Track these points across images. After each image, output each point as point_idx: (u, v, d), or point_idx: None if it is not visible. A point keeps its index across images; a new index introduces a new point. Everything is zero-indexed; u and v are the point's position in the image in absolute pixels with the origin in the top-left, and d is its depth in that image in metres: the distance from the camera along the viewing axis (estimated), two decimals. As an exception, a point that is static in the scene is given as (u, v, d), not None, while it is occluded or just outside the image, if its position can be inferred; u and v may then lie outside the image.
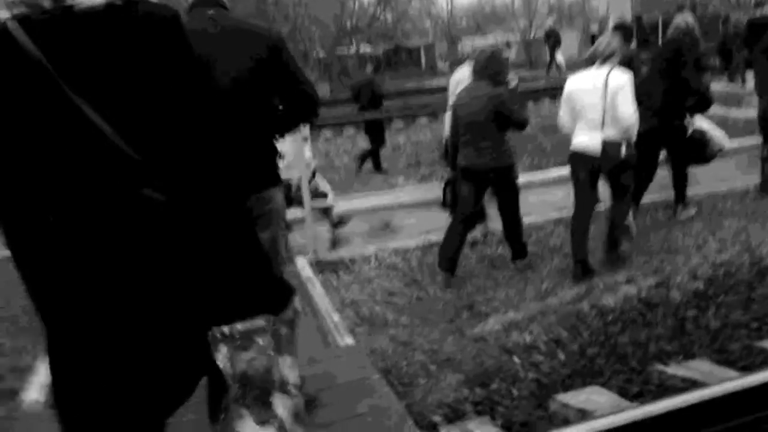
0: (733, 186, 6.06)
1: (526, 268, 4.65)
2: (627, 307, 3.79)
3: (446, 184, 4.98)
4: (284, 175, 5.57)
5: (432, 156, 9.10)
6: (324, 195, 5.81)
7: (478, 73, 4.51)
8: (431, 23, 31.44)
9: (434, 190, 5.99)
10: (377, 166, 8.77)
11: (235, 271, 1.29)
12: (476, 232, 5.28)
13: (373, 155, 8.85)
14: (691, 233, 5.01)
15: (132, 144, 1.12)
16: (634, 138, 4.19)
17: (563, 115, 4.51)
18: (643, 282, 4.15)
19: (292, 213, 5.94)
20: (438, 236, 5.19)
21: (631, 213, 4.80)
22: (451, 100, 4.95)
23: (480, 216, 4.95)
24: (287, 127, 2.57)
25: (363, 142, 11.06)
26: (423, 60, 27.65)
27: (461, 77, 5.26)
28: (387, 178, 8.13)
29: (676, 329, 3.42)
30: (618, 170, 4.27)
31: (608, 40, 4.33)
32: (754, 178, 6.05)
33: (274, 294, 1.39)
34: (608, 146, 4.14)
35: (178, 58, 1.17)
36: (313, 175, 5.72)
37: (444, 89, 19.47)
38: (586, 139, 4.26)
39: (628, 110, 4.07)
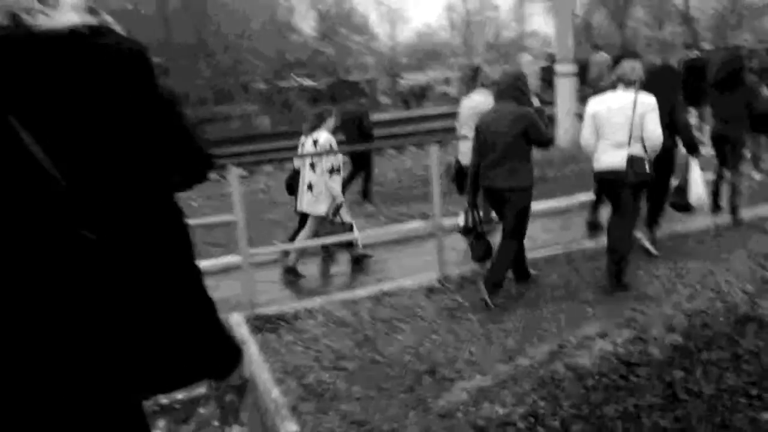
0: (690, 225, 5.81)
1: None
2: (606, 368, 3.33)
3: (468, 209, 4.71)
4: (311, 209, 5.43)
5: (408, 192, 8.79)
6: (349, 227, 5.54)
7: (504, 93, 4.53)
8: (373, 59, 31.44)
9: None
10: (366, 195, 8.58)
11: (175, 328, 1.10)
12: (432, 280, 4.79)
13: (365, 185, 8.68)
14: (658, 275, 4.67)
15: (70, 179, 0.99)
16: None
17: (587, 135, 4.62)
18: (617, 336, 3.73)
19: (228, 261, 5.38)
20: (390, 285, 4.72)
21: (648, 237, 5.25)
22: (463, 127, 5.19)
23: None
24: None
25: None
26: (366, 94, 27.41)
27: (474, 104, 5.57)
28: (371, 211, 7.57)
29: (666, 396, 2.98)
30: (640, 186, 4.50)
31: (632, 65, 4.46)
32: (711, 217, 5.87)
33: (219, 354, 1.20)
34: (635, 162, 4.33)
35: (139, 96, 1.07)
36: (338, 209, 5.41)
37: (388, 123, 19.31)
38: (612, 157, 4.40)
39: (656, 129, 4.32)
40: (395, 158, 12.22)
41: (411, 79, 28.68)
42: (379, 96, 28.13)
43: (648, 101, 4.34)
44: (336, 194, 5.32)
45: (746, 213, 5.98)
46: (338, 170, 5.39)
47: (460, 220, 4.72)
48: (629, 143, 4.32)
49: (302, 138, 5.60)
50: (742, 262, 4.79)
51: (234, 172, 4.19)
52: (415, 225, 6.61)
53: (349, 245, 5.65)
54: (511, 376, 3.36)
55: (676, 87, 5.16)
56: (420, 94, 26.53)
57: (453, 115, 19.34)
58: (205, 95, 21.44)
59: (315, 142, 5.34)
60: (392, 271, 5.44)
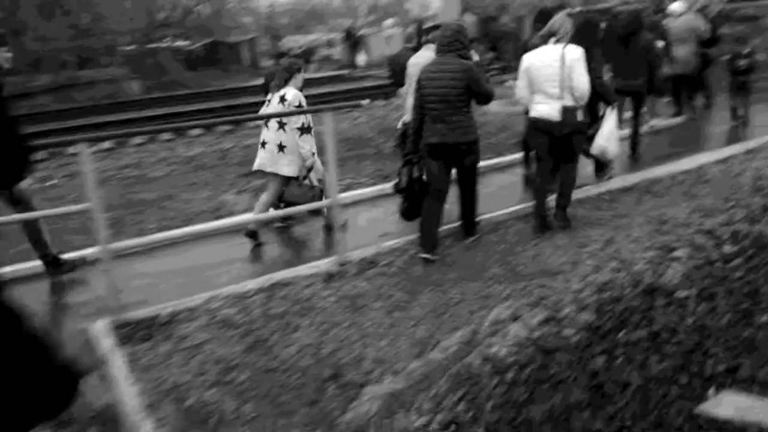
0: (589, 191, 5.73)
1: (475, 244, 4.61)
2: (523, 358, 3.05)
3: (403, 166, 4.74)
4: (279, 170, 5.02)
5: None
6: (319, 192, 5.16)
7: (445, 47, 4.45)
8: (251, 19, 29.81)
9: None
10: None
11: None
12: (331, 266, 4.32)
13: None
14: (560, 246, 4.50)
15: None
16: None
17: (521, 88, 4.82)
18: (529, 318, 3.48)
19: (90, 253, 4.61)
20: (283, 275, 4.20)
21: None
22: (412, 84, 4.89)
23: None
24: None
25: (182, 148, 9.57)
26: (245, 57, 25.93)
27: (419, 61, 5.15)
28: (212, 195, 6.80)
29: (592, 389, 2.74)
30: (574, 134, 4.70)
31: (562, 20, 4.67)
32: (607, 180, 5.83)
33: (53, 391, 1.02)
34: (567, 112, 4.55)
35: None
36: (308, 171, 5.06)
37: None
38: (546, 108, 4.64)
39: (583, 80, 4.53)
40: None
41: (292, 41, 27.53)
42: (260, 58, 26.75)
43: (575, 54, 4.55)
44: (306, 155, 4.98)
45: (636, 177, 6.01)
46: (308, 129, 4.99)
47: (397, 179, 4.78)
48: (561, 95, 4.55)
49: (269, 95, 5.20)
50: (641, 227, 4.73)
51: (85, 151, 3.43)
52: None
53: (318, 211, 5.26)
54: (425, 375, 2.99)
55: (595, 42, 5.38)
56: (303, 57, 25.51)
57: (340, 79, 18.66)
58: (66, 58, 19.22)
59: (282, 99, 4.96)
60: (286, 256, 4.90)
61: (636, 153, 6.88)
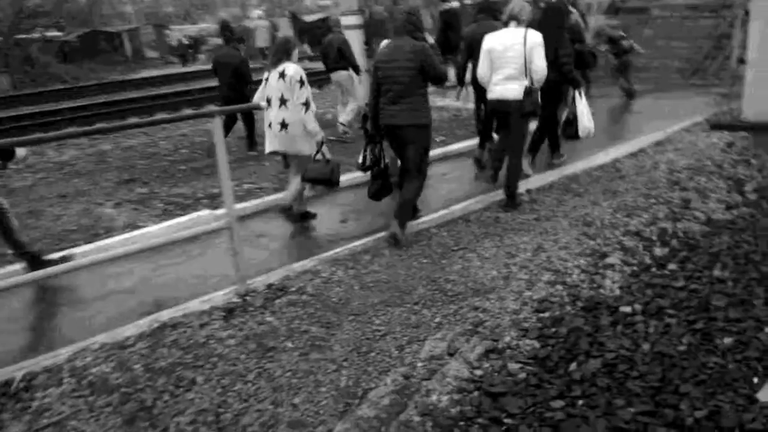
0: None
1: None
2: (469, 406, 2.56)
3: (366, 145, 4.75)
4: (292, 149, 4.92)
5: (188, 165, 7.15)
6: (336, 165, 4.91)
7: (399, 29, 4.49)
8: (132, 8, 27.68)
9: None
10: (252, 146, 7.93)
11: None
12: (230, 297, 3.62)
13: (249, 136, 7.96)
14: (488, 258, 4.07)
15: None
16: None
17: (484, 68, 4.96)
18: (468, 351, 2.99)
19: None
20: (173, 313, 3.47)
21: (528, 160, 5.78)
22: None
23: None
24: None
25: (52, 152, 8.34)
26: (128, 48, 23.94)
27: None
28: (87, 209, 5.81)
29: (557, 448, 2.28)
30: (531, 115, 4.88)
31: (521, 4, 4.85)
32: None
33: None
34: (526, 93, 4.73)
35: None
36: (320, 147, 4.83)
37: (155, 80, 16.82)
38: (507, 88, 4.82)
39: (542, 63, 4.74)
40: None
41: (179, 31, 25.83)
42: (144, 49, 24.85)
43: (535, 37, 4.74)
44: (315, 130, 4.81)
45: (554, 174, 5.74)
46: (309, 104, 4.80)
47: (360, 158, 4.78)
48: (522, 76, 4.75)
49: (265, 74, 4.98)
50: (566, 231, 4.40)
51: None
52: (200, 215, 5.28)
53: (335, 182, 4.91)
54: (355, 443, 2.42)
55: (561, 26, 5.47)
56: (192, 48, 23.95)
57: None
58: None
59: (282, 75, 4.77)
60: (175, 287, 4.14)
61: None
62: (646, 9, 11.22)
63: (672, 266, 3.74)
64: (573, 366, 2.76)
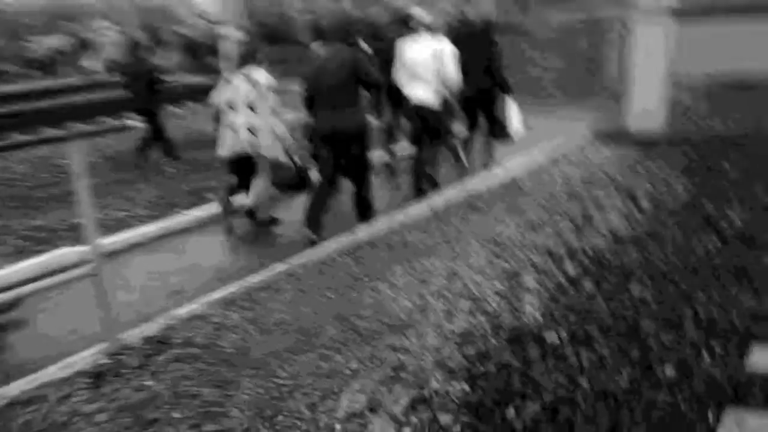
0: (410, 213, 5.05)
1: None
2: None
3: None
4: (261, 152, 4.85)
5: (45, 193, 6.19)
6: (304, 169, 5.13)
7: (332, 36, 4.58)
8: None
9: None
10: (170, 152, 7.79)
11: None
12: (98, 358, 2.96)
13: (165, 143, 7.82)
14: (401, 287, 3.70)
15: None
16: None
17: (401, 75, 5.23)
18: (393, 404, 2.58)
19: None
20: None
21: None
22: None
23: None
24: None
25: None
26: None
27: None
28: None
29: None
30: (447, 117, 5.32)
31: (421, 13, 5.15)
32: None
33: None
34: (443, 103, 5.12)
35: None
36: (289, 153, 5.00)
37: (15, 96, 14.98)
38: (422, 93, 5.11)
39: (453, 72, 5.06)
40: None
41: (41, 43, 23.52)
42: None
43: (447, 48, 5.03)
44: (284, 135, 4.95)
45: (455, 191, 5.52)
46: (278, 110, 4.94)
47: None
48: (435, 84, 5.03)
49: (226, 75, 5.14)
50: (478, 253, 4.14)
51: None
52: (61, 253, 4.47)
53: (305, 186, 5.11)
54: None
55: (492, 40, 5.94)
56: (54, 61, 21.84)
57: (107, 85, 15.77)
58: None
59: (251, 81, 4.77)
60: (28, 349, 3.38)
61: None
62: (521, 27, 11.57)
63: (588, 286, 3.57)
64: (510, 412, 2.44)
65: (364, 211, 4.90)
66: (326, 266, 4.05)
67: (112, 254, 4.60)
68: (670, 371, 2.45)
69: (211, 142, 8.83)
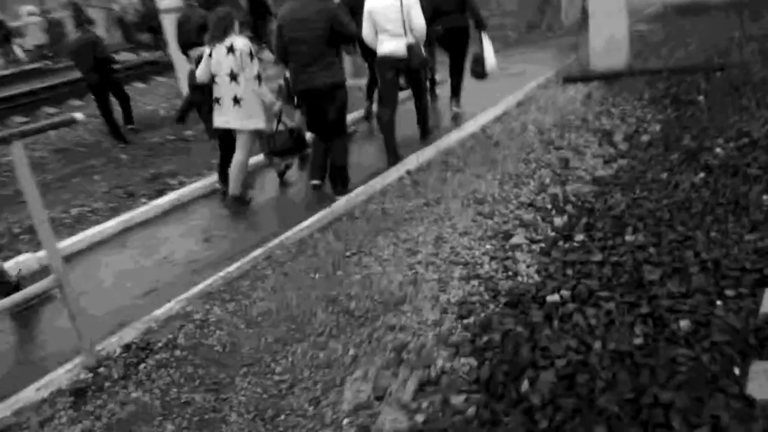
0: (388, 176, 4.84)
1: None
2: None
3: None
4: (244, 125, 4.74)
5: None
6: (298, 131, 5.10)
7: None
8: None
9: None
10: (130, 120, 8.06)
11: None
12: (77, 374, 2.72)
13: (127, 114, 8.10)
14: (387, 260, 3.52)
15: None
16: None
17: (367, 30, 5.10)
18: (400, 390, 2.43)
19: None
20: None
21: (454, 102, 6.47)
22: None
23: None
24: None
25: None
26: None
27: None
28: None
29: None
30: (421, 66, 5.18)
31: None
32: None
33: None
34: (413, 49, 4.95)
35: None
36: (279, 116, 4.91)
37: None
38: (392, 45, 4.99)
39: (420, 22, 4.93)
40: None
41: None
42: None
43: None
44: (271, 101, 4.79)
45: (430, 151, 5.31)
46: (261, 77, 4.71)
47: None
48: (405, 34, 4.91)
49: (204, 49, 4.76)
50: (461, 214, 3.98)
51: None
52: (20, 261, 4.14)
53: (302, 147, 5.21)
54: None
55: None
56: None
57: (34, 74, 14.80)
58: None
59: (231, 50, 4.57)
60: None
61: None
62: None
63: (579, 236, 3.45)
64: (524, 385, 2.31)
65: (343, 180, 4.76)
66: (306, 245, 3.84)
67: (75, 255, 4.29)
68: (684, 323, 2.34)
69: (162, 122, 8.44)
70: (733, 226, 2.94)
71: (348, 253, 3.66)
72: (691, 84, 5.56)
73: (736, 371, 2.03)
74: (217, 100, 4.72)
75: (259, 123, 4.75)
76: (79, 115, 3.78)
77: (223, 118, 4.73)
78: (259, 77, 4.63)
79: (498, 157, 4.92)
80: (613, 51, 6.44)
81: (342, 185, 4.71)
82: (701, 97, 5.11)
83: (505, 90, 6.90)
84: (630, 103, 5.65)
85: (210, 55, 4.67)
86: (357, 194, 4.55)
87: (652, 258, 2.94)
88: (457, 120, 6.41)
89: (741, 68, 5.53)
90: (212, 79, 4.70)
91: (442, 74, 7.17)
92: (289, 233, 4.05)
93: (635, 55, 6.92)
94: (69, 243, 4.34)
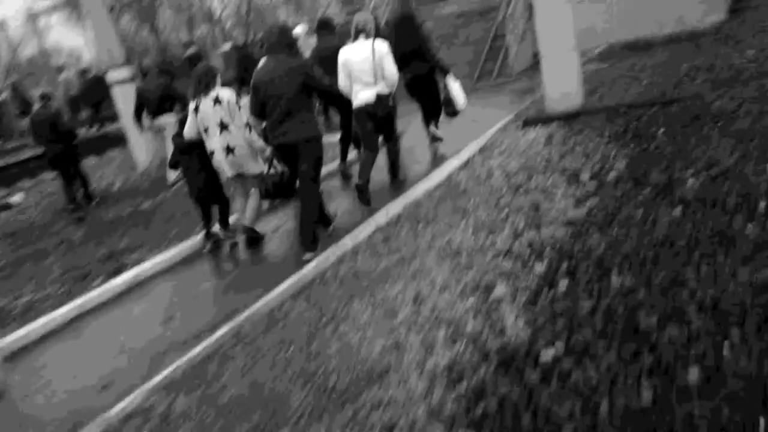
0: (358, 235, 4.64)
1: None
2: None
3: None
4: (245, 170, 5.02)
5: None
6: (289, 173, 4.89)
7: (274, 47, 4.49)
8: None
9: None
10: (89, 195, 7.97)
11: None
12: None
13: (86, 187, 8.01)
14: (366, 325, 3.27)
15: None
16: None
17: (343, 80, 5.21)
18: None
19: None
20: None
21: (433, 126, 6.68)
22: None
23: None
24: None
25: None
26: None
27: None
28: None
29: None
30: (390, 115, 5.32)
31: (365, 18, 5.24)
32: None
33: None
34: (381, 98, 5.12)
35: None
36: (272, 160, 4.74)
37: None
38: (367, 95, 5.14)
39: (392, 70, 5.10)
40: None
41: None
42: None
43: (383, 48, 5.08)
44: (262, 146, 4.86)
45: (398, 205, 5.14)
46: (249, 124, 4.87)
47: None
48: (375, 83, 5.09)
49: (191, 104, 4.90)
50: (438, 268, 3.78)
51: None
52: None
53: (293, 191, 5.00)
54: None
55: (419, 29, 6.27)
56: None
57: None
58: None
59: (218, 101, 4.77)
60: None
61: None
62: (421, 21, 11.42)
63: (563, 282, 3.28)
64: (532, 460, 2.08)
65: (308, 234, 4.66)
66: (276, 316, 3.57)
67: (22, 351, 3.92)
68: (693, 372, 2.16)
69: (119, 195, 8.14)
70: (723, 260, 2.81)
71: (323, 321, 3.40)
72: (650, 118, 5.59)
73: (762, 423, 1.84)
74: (212, 153, 4.88)
75: (255, 168, 4.90)
76: (16, 198, 3.49)
77: (225, 167, 4.91)
78: (248, 125, 4.80)
79: (468, 206, 4.78)
80: (568, 91, 6.48)
81: (312, 242, 4.59)
82: (662, 130, 5.11)
83: (466, 137, 6.86)
84: (592, 141, 5.63)
85: (196, 109, 4.81)
86: (327, 256, 4.33)
87: (644, 301, 2.78)
88: (437, 155, 6.60)
89: (695, 99, 5.59)
90: (205, 131, 4.85)
91: (405, 125, 7.12)
92: (258, 304, 3.78)
93: (590, 93, 6.99)
94: (14, 338, 3.97)
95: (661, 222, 3.49)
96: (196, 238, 5.54)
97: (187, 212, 6.25)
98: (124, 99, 9.51)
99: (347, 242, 4.47)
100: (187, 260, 5.28)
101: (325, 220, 5.03)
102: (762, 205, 3.13)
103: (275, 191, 4.81)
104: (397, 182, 5.71)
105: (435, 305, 3.32)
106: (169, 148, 8.29)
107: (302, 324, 3.42)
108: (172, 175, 7.68)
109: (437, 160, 6.38)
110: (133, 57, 15.80)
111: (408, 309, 3.34)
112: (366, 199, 5.32)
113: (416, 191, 5.36)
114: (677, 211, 3.52)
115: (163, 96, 7.71)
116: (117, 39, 9.40)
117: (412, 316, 3.26)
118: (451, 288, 3.49)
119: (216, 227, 5.45)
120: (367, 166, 5.38)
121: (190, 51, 11.67)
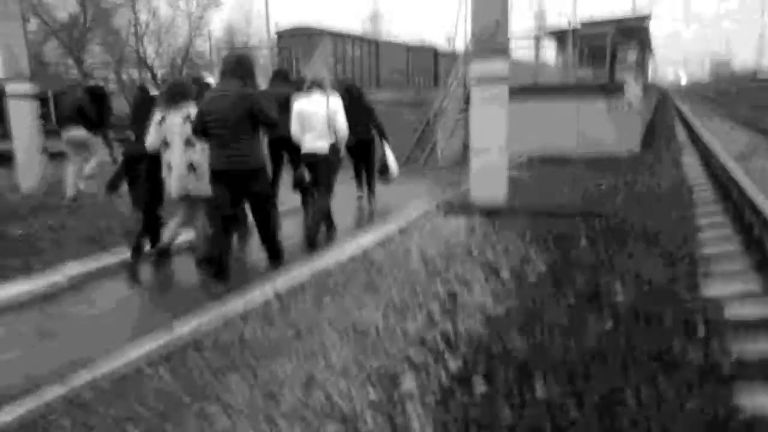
0: (253, 298, 3.98)
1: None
2: None
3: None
4: (198, 191, 4.74)
5: None
6: None
7: (228, 73, 4.40)
8: None
9: None
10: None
11: None
12: None
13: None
14: (240, 409, 2.60)
15: None
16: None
17: (296, 128, 5.45)
18: None
19: None
20: None
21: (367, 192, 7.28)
22: None
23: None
24: None
25: None
26: None
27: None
28: None
29: None
30: (335, 167, 5.58)
31: (323, 75, 5.64)
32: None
33: None
34: (333, 148, 5.44)
35: None
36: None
37: None
38: (317, 144, 5.40)
39: (343, 123, 5.47)
40: None
41: None
42: None
43: (337, 102, 5.38)
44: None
45: (304, 271, 4.56)
46: None
47: None
48: (327, 135, 5.33)
49: (157, 115, 4.67)
50: (339, 348, 3.21)
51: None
52: None
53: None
54: None
55: (365, 98, 6.87)
56: None
57: None
58: None
59: (188, 118, 4.57)
60: None
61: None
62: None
63: (480, 386, 2.80)
64: None
65: (274, 252, 4.72)
66: (128, 385, 2.81)
67: None
68: None
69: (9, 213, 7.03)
70: (667, 385, 2.45)
71: (188, 399, 2.69)
72: (572, 227, 5.46)
73: None
74: (169, 167, 4.69)
75: (207, 190, 4.62)
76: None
77: (180, 184, 4.65)
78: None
79: (381, 285, 4.29)
80: (494, 187, 6.34)
81: (276, 256, 4.69)
82: (584, 241, 4.95)
83: (387, 215, 6.49)
84: (513, 240, 5.39)
85: (161, 121, 4.64)
86: (210, 319, 3.63)
87: (577, 422, 2.33)
88: (359, 225, 6.49)
89: (617, 216, 5.55)
90: (166, 145, 4.67)
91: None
92: (108, 366, 3.00)
93: (513, 195, 6.89)
94: None
95: (591, 333, 3.14)
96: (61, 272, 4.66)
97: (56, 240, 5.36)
98: (19, 118, 8.52)
99: (237, 305, 3.81)
100: (48, 296, 4.38)
101: (275, 253, 4.77)
102: (701, 328, 2.85)
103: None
104: (313, 241, 5.42)
105: (329, 394, 2.72)
106: (68, 170, 7.59)
107: (159, 398, 2.68)
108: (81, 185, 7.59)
109: (356, 232, 5.92)
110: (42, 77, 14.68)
111: (295, 395, 2.72)
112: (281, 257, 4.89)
113: (328, 259, 4.82)
114: (608, 324, 3.19)
115: (78, 108, 7.61)
116: (26, 49, 8.48)
117: (298, 403, 2.63)
118: (350, 375, 2.91)
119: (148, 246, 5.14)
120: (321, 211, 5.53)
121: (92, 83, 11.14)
